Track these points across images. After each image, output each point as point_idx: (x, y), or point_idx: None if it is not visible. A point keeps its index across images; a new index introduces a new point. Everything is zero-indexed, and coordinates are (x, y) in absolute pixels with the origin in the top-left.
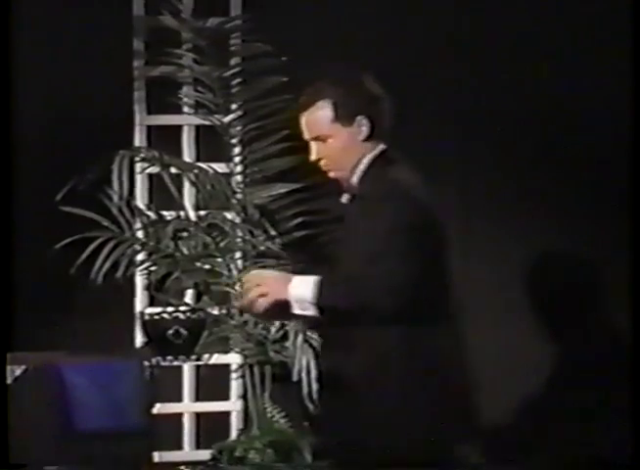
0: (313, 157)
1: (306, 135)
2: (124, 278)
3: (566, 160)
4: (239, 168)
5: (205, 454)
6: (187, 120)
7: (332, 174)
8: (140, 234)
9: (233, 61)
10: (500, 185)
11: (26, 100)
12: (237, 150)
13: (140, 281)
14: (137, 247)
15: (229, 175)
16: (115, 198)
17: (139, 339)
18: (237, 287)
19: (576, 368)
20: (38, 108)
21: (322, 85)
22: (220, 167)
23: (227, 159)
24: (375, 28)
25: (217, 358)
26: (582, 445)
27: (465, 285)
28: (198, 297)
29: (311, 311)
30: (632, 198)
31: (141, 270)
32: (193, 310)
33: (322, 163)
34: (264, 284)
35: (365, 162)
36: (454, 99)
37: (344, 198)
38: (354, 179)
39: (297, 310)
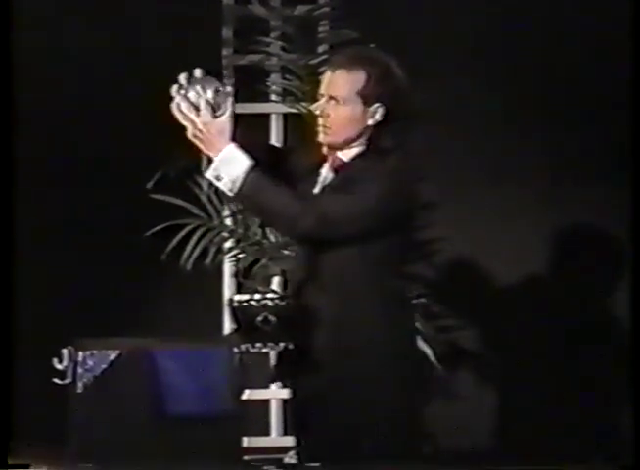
0: (317, 110)
1: (324, 90)
2: (213, 265)
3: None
4: None
5: (291, 440)
6: (275, 108)
7: (323, 138)
8: (228, 222)
9: (321, 48)
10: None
11: (116, 88)
12: None
13: (228, 268)
14: (225, 234)
15: None
16: (205, 186)
17: (227, 325)
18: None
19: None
20: (128, 96)
21: (364, 58)
22: None
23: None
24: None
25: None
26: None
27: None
28: (285, 284)
29: (224, 187)
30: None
31: (229, 257)
32: (281, 297)
33: (321, 121)
34: (205, 127)
35: (361, 143)
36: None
37: (326, 171)
38: (343, 157)
39: (209, 174)
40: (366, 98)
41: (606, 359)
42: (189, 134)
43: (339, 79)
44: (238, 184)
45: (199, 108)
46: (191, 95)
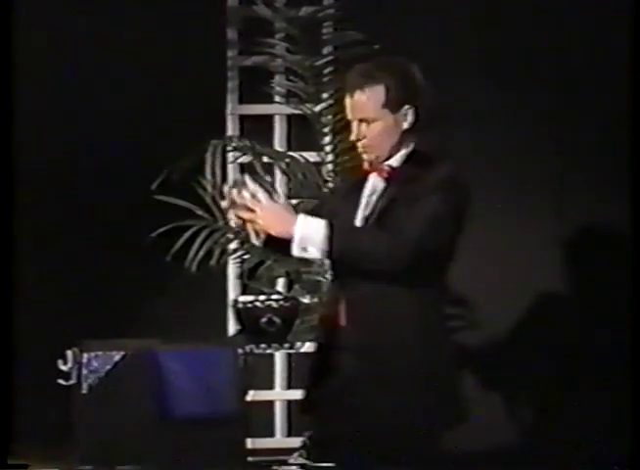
0: (354, 137)
1: (351, 115)
2: (218, 266)
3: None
4: (330, 157)
5: (296, 442)
6: (279, 110)
7: (367, 157)
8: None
9: (325, 49)
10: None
11: (118, 88)
12: (328, 139)
13: (233, 269)
14: (230, 236)
15: (320, 164)
16: (209, 187)
17: (232, 326)
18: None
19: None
20: (133, 97)
21: (377, 70)
22: (311, 156)
23: (318, 148)
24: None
25: (309, 347)
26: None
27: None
28: (289, 285)
29: (315, 254)
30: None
31: (234, 259)
32: (285, 299)
33: (361, 144)
34: (271, 210)
35: (405, 146)
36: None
37: (377, 181)
38: (393, 163)
39: (295, 252)
40: (392, 107)
41: (606, 360)
42: (252, 236)
43: (359, 102)
44: (326, 247)
45: (257, 198)
46: (245, 193)
